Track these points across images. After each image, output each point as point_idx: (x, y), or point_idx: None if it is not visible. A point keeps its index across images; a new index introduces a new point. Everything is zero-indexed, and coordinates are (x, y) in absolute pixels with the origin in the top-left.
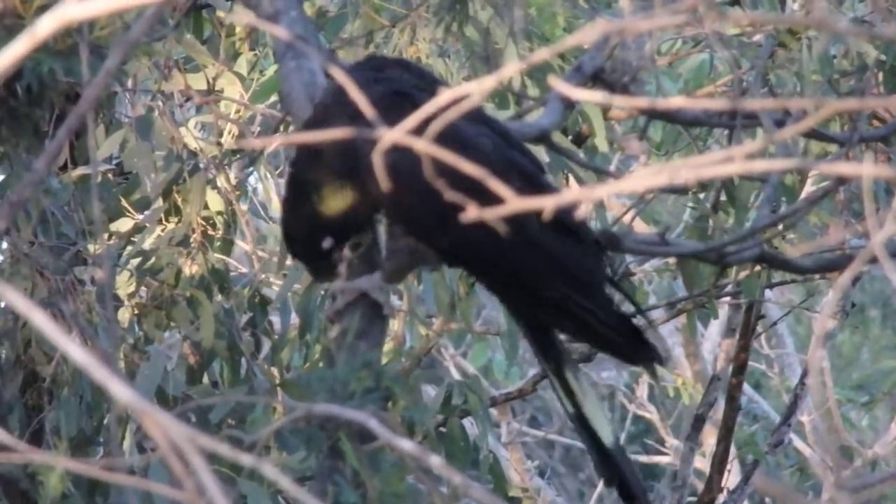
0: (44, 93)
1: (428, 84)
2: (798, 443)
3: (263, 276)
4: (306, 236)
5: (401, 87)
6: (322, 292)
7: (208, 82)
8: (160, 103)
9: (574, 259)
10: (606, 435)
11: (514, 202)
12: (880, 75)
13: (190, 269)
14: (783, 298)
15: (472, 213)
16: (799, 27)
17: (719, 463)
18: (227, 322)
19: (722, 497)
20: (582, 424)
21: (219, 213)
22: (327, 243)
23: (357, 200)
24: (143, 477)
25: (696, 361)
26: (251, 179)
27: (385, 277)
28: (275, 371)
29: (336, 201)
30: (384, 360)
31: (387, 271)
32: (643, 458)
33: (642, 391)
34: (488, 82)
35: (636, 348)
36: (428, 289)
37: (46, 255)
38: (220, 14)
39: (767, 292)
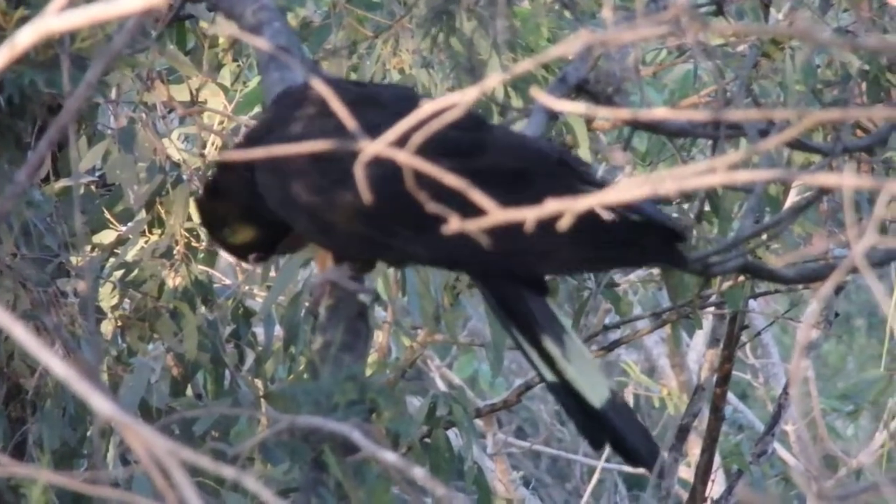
0: (25, 104)
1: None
2: (783, 452)
3: (247, 287)
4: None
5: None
6: (306, 304)
7: (191, 93)
8: (143, 115)
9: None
10: (598, 395)
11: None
12: (863, 85)
13: (173, 280)
14: (768, 308)
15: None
16: (782, 37)
17: (703, 473)
18: (210, 334)
19: None
20: (565, 390)
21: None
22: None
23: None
24: (126, 490)
25: (681, 372)
26: None
27: (354, 267)
28: (259, 383)
29: (242, 234)
30: (369, 372)
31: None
32: (628, 468)
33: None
34: (472, 93)
35: (646, 251)
36: (413, 300)
37: (29, 267)
38: (203, 25)
39: (752, 302)
